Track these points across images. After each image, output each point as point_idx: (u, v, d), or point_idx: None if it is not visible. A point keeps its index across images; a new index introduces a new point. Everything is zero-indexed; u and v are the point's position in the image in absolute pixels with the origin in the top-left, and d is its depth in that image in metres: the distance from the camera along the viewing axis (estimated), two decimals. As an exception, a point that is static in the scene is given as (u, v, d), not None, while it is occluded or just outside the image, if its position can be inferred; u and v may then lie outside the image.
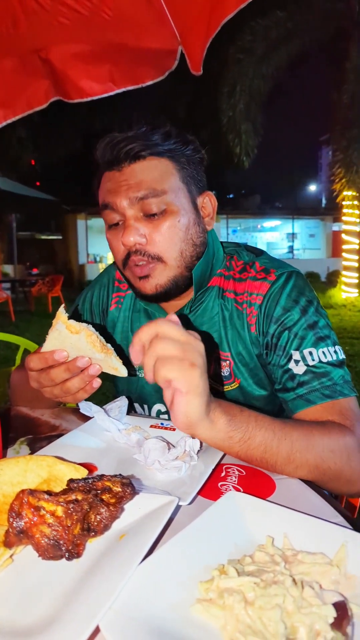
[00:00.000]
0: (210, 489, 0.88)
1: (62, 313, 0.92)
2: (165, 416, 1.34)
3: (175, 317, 0.84)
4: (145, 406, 1.38)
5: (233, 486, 0.89)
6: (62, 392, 1.00)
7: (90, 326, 0.93)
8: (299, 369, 1.09)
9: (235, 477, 0.93)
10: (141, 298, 1.21)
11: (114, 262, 1.44)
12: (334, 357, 1.10)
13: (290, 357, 1.11)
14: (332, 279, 18.75)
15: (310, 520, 0.72)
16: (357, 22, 12.06)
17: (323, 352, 1.10)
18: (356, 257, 14.33)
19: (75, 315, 1.45)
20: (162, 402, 1.35)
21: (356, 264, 14.34)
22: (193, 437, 0.97)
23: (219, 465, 0.95)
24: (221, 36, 1.96)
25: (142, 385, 1.37)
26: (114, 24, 2.08)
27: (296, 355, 1.11)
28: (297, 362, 1.10)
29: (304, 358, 1.10)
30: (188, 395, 0.78)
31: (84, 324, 0.93)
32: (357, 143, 12.05)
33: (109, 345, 0.96)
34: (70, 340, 0.92)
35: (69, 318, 0.93)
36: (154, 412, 1.37)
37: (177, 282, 1.16)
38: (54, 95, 2.12)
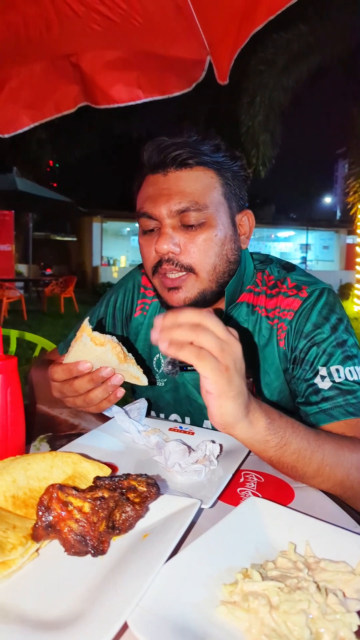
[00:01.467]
0: (230, 494, 0.88)
1: (87, 325, 0.93)
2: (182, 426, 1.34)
3: (212, 313, 0.81)
4: (162, 415, 1.39)
5: (252, 492, 0.90)
6: (84, 402, 1.01)
7: (114, 338, 0.95)
8: (324, 385, 1.10)
9: (254, 483, 0.93)
10: (167, 309, 1.20)
11: (139, 267, 1.45)
12: None
13: (317, 373, 1.12)
14: (345, 291, 18.69)
15: (331, 529, 0.72)
16: (379, 37, 12.08)
17: (350, 371, 1.10)
18: (370, 271, 14.29)
19: (98, 326, 1.45)
20: (178, 412, 1.36)
21: (369, 278, 14.29)
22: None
23: (238, 470, 0.96)
24: (243, 47, 1.98)
25: (160, 395, 1.38)
26: (144, 31, 2.10)
27: (323, 371, 1.11)
28: (323, 377, 1.10)
29: (330, 374, 1.10)
30: (219, 399, 0.76)
31: (108, 336, 0.94)
32: (375, 157, 12.05)
33: (130, 354, 0.98)
34: (96, 353, 0.93)
35: (93, 329, 0.94)
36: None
37: (206, 297, 1.15)
38: (82, 100, 2.15)
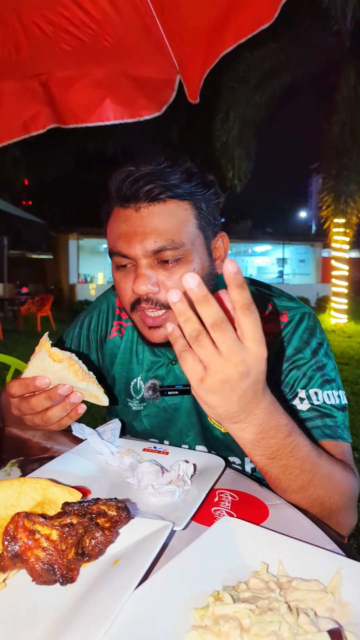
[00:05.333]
0: (204, 514, 0.87)
1: (45, 340, 0.92)
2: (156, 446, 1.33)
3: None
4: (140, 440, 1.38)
5: (226, 511, 0.89)
6: (42, 421, 1.00)
7: (73, 355, 0.94)
8: (302, 406, 1.12)
9: (229, 502, 0.92)
10: (146, 344, 1.20)
11: (113, 288, 1.44)
12: (337, 401, 1.13)
13: (296, 395, 1.13)
14: (322, 304, 18.96)
15: (304, 547, 0.72)
16: (347, 56, 12.45)
17: (327, 395, 1.12)
18: (345, 284, 14.52)
19: (62, 346, 1.43)
20: (157, 436, 1.35)
21: (345, 290, 14.51)
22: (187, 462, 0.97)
23: (212, 490, 0.95)
24: (216, 65, 2.02)
25: (138, 419, 1.36)
26: (114, 51, 2.13)
27: (302, 393, 1.13)
28: (302, 400, 1.12)
29: (309, 397, 1.12)
30: (195, 392, 0.80)
31: (67, 353, 0.93)
32: (347, 172, 12.35)
33: (90, 373, 0.96)
34: (53, 369, 0.91)
35: (54, 346, 0.93)
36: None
37: None
38: (52, 122, 2.15)
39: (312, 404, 1.11)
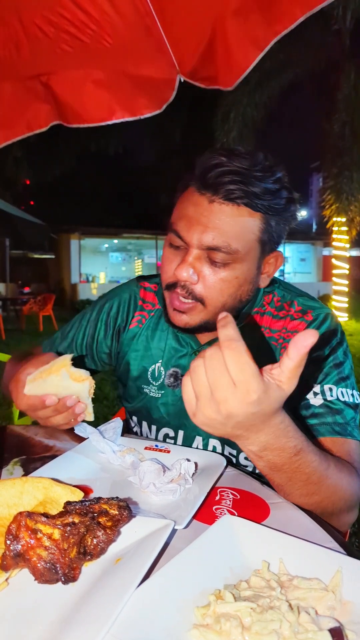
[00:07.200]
0: (205, 513, 0.88)
1: (67, 360, 0.98)
2: (172, 441, 1.34)
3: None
4: (154, 427, 1.38)
5: (227, 510, 0.89)
6: (44, 423, 1.10)
7: (87, 372, 1.02)
8: (315, 401, 1.13)
9: (230, 500, 0.93)
10: (169, 324, 1.22)
11: (138, 279, 1.45)
12: (351, 399, 1.14)
13: (311, 389, 1.15)
14: (323, 303, 18.93)
15: (305, 545, 0.72)
16: (347, 54, 12.44)
17: (342, 392, 1.14)
18: (346, 282, 14.51)
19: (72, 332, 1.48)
20: (172, 425, 1.35)
21: (346, 289, 14.51)
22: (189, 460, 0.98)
23: (213, 488, 0.95)
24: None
25: (155, 407, 1.36)
26: (114, 51, 2.13)
27: (316, 388, 1.15)
28: (315, 394, 1.14)
29: (323, 392, 1.14)
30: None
31: (83, 371, 1.00)
32: (348, 171, 12.33)
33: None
34: (72, 389, 0.98)
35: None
36: (161, 436, 1.36)
37: (208, 326, 1.16)
38: (54, 119, 2.16)
39: (325, 399, 1.12)
